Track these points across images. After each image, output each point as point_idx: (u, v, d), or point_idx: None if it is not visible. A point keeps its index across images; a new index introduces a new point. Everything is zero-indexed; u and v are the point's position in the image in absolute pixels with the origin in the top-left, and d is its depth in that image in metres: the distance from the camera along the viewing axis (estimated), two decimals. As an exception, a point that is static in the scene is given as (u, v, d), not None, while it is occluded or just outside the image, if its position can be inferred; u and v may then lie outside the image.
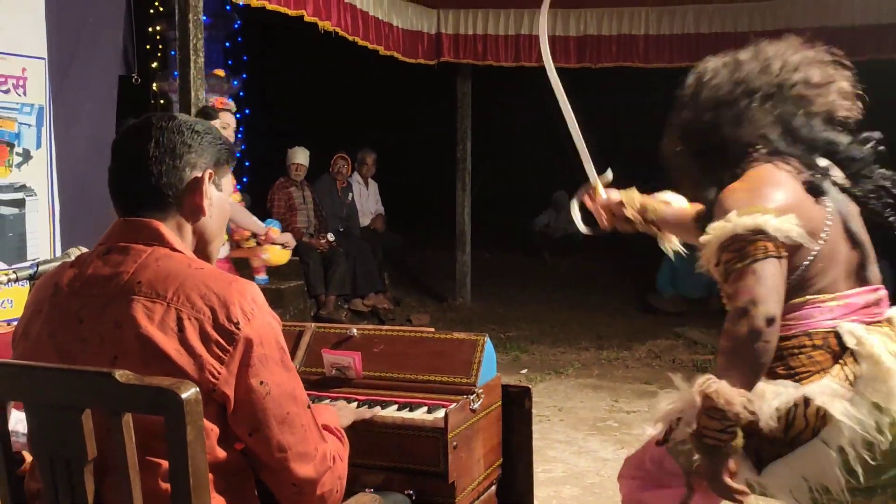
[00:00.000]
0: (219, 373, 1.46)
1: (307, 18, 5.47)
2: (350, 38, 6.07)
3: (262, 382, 1.50)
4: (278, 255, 5.79)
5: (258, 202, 7.60)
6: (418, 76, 7.89)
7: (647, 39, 6.94)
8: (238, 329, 1.48)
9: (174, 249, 1.56)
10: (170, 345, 1.45)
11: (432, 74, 7.56)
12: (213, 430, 1.49)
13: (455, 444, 2.13)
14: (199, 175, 1.61)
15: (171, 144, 1.60)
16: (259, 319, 1.51)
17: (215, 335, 1.47)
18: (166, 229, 1.58)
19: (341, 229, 7.96)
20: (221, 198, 1.68)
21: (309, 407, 1.59)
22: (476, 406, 2.23)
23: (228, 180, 1.71)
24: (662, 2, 6.73)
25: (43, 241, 3.55)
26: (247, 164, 9.19)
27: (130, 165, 1.60)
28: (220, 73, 7.20)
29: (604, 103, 8.35)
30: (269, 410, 1.51)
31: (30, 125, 3.43)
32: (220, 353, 1.47)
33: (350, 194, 8.27)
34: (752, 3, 6.64)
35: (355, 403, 2.11)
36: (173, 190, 1.59)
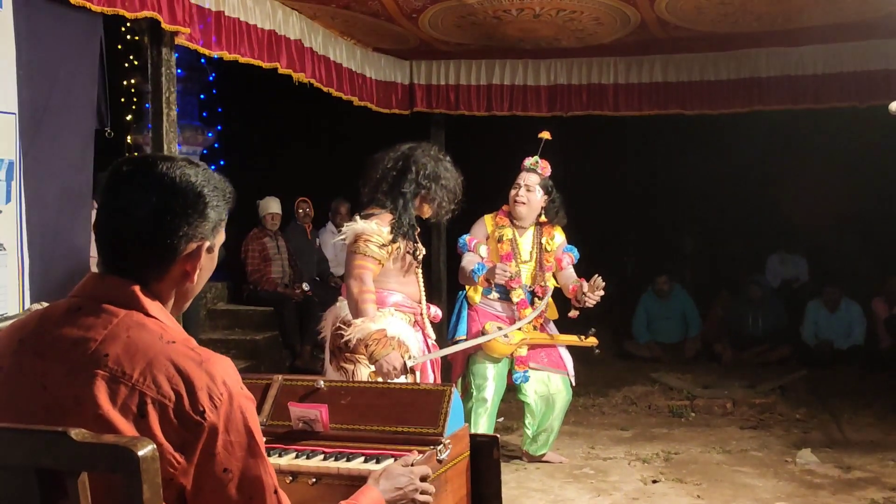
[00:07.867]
0: (178, 462, 1.43)
1: (281, 71, 5.52)
2: (325, 89, 6.13)
3: (225, 470, 1.46)
4: (498, 346, 4.77)
5: (232, 253, 7.57)
6: (393, 126, 7.96)
7: (617, 88, 7.07)
8: (203, 419, 1.43)
9: (148, 314, 1.51)
10: (129, 430, 1.41)
11: (407, 124, 7.62)
12: None
13: (422, 496, 2.11)
14: (197, 245, 1.55)
15: (179, 209, 1.51)
16: (227, 406, 1.46)
17: (177, 423, 1.42)
18: (143, 293, 1.52)
19: (317, 277, 7.95)
20: (211, 258, 1.61)
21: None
22: (443, 456, 2.22)
23: (221, 236, 1.62)
24: (631, 52, 6.87)
25: (12, 297, 3.51)
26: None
27: (125, 216, 1.50)
28: None
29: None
30: (232, 498, 1.47)
31: (-1, 180, 3.42)
32: (181, 443, 1.43)
33: (317, 239, 8.30)
34: (717, 53, 6.79)
35: (410, 466, 1.99)
36: (167, 258, 1.53)
